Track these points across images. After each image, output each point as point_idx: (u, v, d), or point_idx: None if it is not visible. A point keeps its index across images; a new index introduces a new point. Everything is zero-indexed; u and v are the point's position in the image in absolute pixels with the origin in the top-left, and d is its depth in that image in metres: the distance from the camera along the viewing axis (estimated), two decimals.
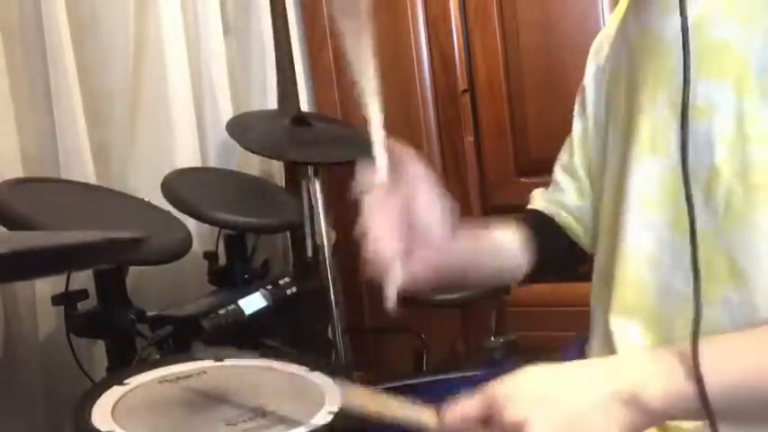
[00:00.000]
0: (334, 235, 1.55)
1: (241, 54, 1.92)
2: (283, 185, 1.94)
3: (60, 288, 1.20)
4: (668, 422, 0.71)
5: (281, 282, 1.54)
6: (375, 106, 0.74)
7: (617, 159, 0.82)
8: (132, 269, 1.35)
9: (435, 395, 0.66)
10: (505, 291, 1.74)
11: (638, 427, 0.60)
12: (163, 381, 0.92)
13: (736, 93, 0.67)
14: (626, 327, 0.77)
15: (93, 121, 1.46)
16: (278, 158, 1.80)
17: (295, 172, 1.80)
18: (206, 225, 1.54)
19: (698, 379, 0.58)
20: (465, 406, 0.63)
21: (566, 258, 0.96)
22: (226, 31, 1.83)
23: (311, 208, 1.58)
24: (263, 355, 1.02)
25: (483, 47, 1.94)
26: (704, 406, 0.58)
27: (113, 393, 0.87)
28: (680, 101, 0.64)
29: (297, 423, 0.79)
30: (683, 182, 0.63)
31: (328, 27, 2.03)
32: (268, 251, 1.83)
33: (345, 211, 2.07)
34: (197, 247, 1.49)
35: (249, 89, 1.95)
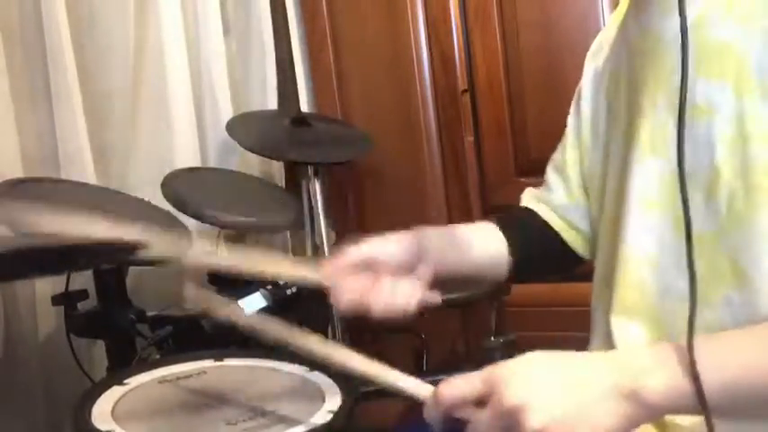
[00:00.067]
0: (334, 235, 1.55)
1: (241, 54, 1.92)
2: (283, 185, 1.94)
3: (60, 288, 1.20)
4: (666, 418, 0.71)
5: (281, 282, 1.54)
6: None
7: (618, 161, 0.82)
8: (132, 269, 1.35)
9: None
10: (505, 291, 1.74)
11: (637, 420, 0.60)
12: (163, 381, 0.93)
13: (736, 93, 0.67)
14: (627, 327, 0.77)
15: (93, 121, 1.46)
16: (278, 158, 1.80)
17: (295, 172, 1.80)
18: (206, 225, 1.54)
19: (695, 376, 0.58)
20: (462, 384, 0.62)
21: (553, 255, 0.97)
22: (226, 31, 1.83)
23: (311, 208, 1.58)
24: (263, 355, 1.02)
25: (483, 47, 1.94)
26: (701, 402, 0.58)
27: (113, 393, 0.87)
28: (677, 100, 0.64)
29: (296, 422, 0.79)
30: (680, 181, 0.63)
31: (328, 27, 2.03)
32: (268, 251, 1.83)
33: (345, 212, 2.08)
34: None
35: (249, 89, 1.95)
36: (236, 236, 1.57)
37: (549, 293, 1.81)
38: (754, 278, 0.66)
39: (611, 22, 0.92)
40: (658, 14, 0.75)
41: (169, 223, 1.35)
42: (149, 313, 1.26)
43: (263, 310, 1.43)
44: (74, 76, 1.40)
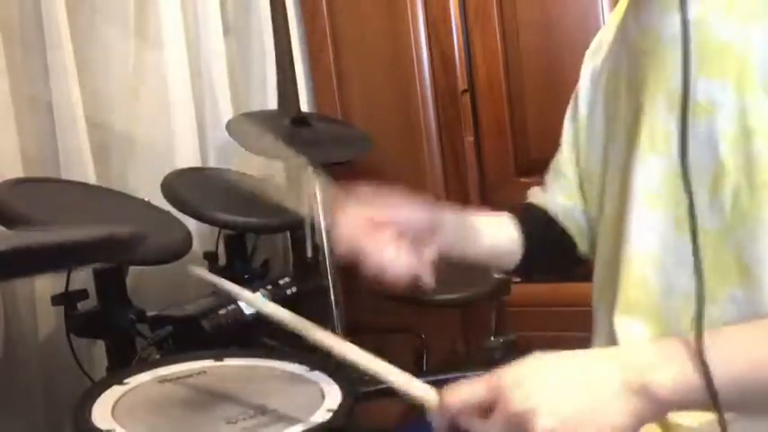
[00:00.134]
0: None
1: (241, 54, 1.92)
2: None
3: (60, 288, 1.20)
4: (672, 420, 0.71)
5: (281, 282, 1.54)
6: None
7: (619, 161, 0.82)
8: (132, 269, 1.35)
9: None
10: (505, 291, 1.74)
11: (647, 416, 0.60)
12: (163, 381, 0.93)
13: (737, 91, 0.67)
14: (630, 326, 0.77)
15: (93, 121, 1.46)
16: (278, 158, 1.80)
17: None
18: (206, 225, 1.54)
19: (705, 370, 0.58)
20: (468, 390, 0.62)
21: (560, 250, 0.97)
22: (226, 31, 1.83)
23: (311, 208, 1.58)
24: (263, 354, 1.02)
25: (483, 47, 1.94)
26: (711, 396, 0.58)
27: (113, 393, 0.87)
28: (678, 98, 0.64)
29: (296, 421, 0.79)
30: (683, 178, 0.63)
31: (328, 27, 2.03)
32: (268, 251, 1.83)
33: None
34: (197, 247, 1.49)
35: (249, 89, 1.95)
36: (237, 236, 1.57)
37: (549, 293, 1.81)
38: (759, 275, 0.66)
39: (610, 22, 0.92)
40: (658, 14, 0.75)
41: (169, 223, 1.36)
42: (149, 313, 1.26)
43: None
44: (74, 76, 1.40)
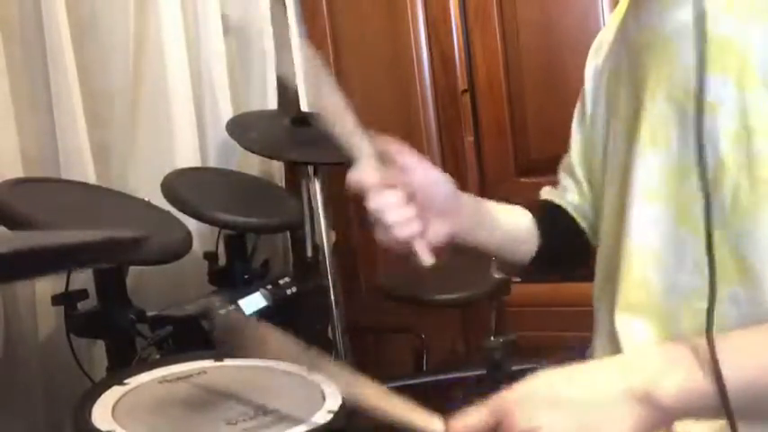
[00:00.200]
0: (334, 235, 1.55)
1: (241, 54, 1.92)
2: (283, 185, 1.94)
3: (60, 288, 1.20)
4: (679, 429, 0.71)
5: (281, 282, 1.54)
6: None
7: (620, 157, 0.81)
8: (132, 269, 1.35)
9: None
10: (505, 291, 1.74)
11: (652, 424, 0.60)
12: (163, 381, 0.92)
13: (738, 87, 0.67)
14: (631, 324, 0.77)
15: (93, 121, 1.46)
16: (278, 158, 1.80)
17: (295, 172, 1.80)
18: (206, 225, 1.54)
19: (717, 376, 0.57)
20: (473, 417, 0.61)
21: (576, 243, 0.96)
22: (226, 31, 1.83)
23: (311, 208, 1.58)
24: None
25: (483, 47, 1.94)
26: (723, 402, 0.57)
27: (113, 393, 0.87)
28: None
29: (296, 422, 0.79)
30: (700, 177, 0.63)
31: (328, 27, 2.03)
32: (268, 251, 1.83)
33: (345, 211, 2.08)
34: (197, 247, 1.49)
35: (249, 89, 1.95)
36: (237, 236, 1.57)
37: (549, 293, 1.81)
38: (759, 274, 0.66)
39: (610, 22, 0.92)
40: (658, 13, 0.75)
41: (169, 223, 1.35)
42: (149, 313, 1.26)
43: (264, 309, 1.43)
44: (74, 76, 1.40)
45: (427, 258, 0.76)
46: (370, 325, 2.05)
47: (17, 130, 1.31)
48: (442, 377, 1.18)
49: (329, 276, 1.50)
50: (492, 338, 1.57)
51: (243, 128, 1.53)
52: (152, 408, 0.85)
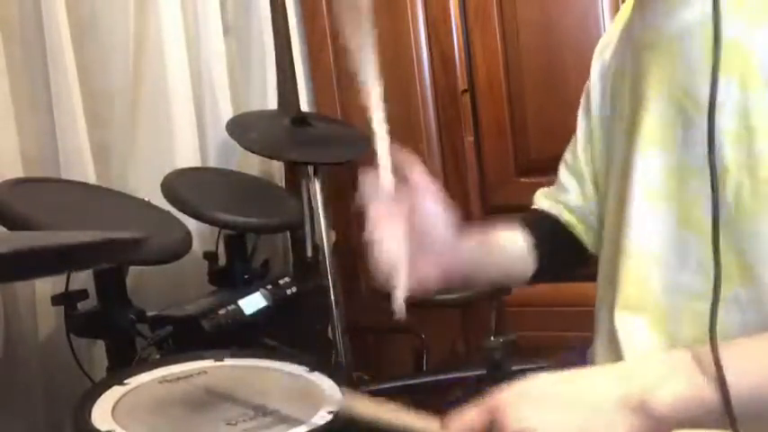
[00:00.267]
0: (334, 235, 1.55)
1: (241, 54, 1.92)
2: (283, 185, 1.94)
3: (60, 288, 1.20)
4: None
5: (281, 282, 1.54)
6: (379, 113, 0.74)
7: (622, 156, 0.81)
8: (132, 269, 1.35)
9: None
10: (505, 291, 1.74)
11: None
12: (163, 381, 0.93)
13: (741, 88, 0.67)
14: (631, 324, 0.77)
15: (93, 121, 1.46)
16: (278, 158, 1.80)
17: (295, 172, 1.80)
18: (206, 225, 1.54)
19: (722, 382, 0.57)
20: (468, 416, 0.61)
21: (570, 257, 0.96)
22: (226, 31, 1.83)
23: (311, 208, 1.58)
24: (263, 355, 1.02)
25: (483, 47, 1.94)
26: (726, 410, 0.57)
27: (113, 393, 0.87)
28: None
29: (296, 422, 0.79)
30: (711, 177, 0.63)
31: (328, 27, 2.03)
32: (268, 251, 1.83)
33: (345, 211, 2.08)
34: (197, 247, 1.49)
35: (249, 89, 1.95)
36: (237, 236, 1.57)
37: (549, 293, 1.81)
38: (761, 274, 0.66)
39: (616, 21, 0.92)
40: (663, 13, 0.75)
41: (169, 223, 1.36)
42: (149, 313, 1.26)
43: (264, 309, 1.43)
44: (74, 76, 1.40)
45: (400, 312, 0.74)
46: (370, 325, 2.05)
47: (17, 130, 1.31)
48: (441, 377, 1.18)
49: (329, 276, 1.50)
50: (492, 338, 1.57)
51: (243, 128, 1.53)
52: (152, 408, 0.85)
